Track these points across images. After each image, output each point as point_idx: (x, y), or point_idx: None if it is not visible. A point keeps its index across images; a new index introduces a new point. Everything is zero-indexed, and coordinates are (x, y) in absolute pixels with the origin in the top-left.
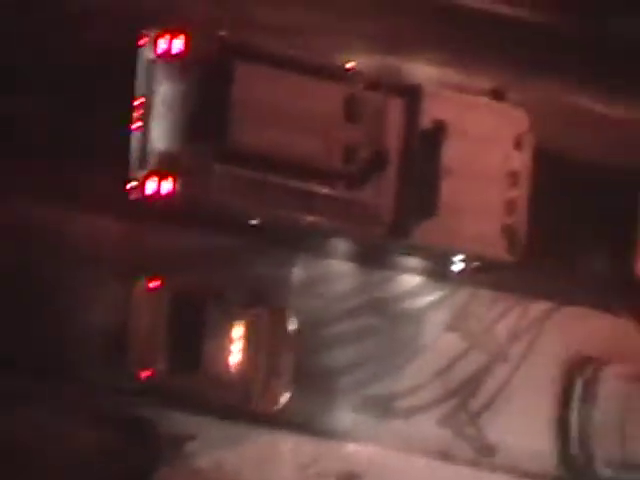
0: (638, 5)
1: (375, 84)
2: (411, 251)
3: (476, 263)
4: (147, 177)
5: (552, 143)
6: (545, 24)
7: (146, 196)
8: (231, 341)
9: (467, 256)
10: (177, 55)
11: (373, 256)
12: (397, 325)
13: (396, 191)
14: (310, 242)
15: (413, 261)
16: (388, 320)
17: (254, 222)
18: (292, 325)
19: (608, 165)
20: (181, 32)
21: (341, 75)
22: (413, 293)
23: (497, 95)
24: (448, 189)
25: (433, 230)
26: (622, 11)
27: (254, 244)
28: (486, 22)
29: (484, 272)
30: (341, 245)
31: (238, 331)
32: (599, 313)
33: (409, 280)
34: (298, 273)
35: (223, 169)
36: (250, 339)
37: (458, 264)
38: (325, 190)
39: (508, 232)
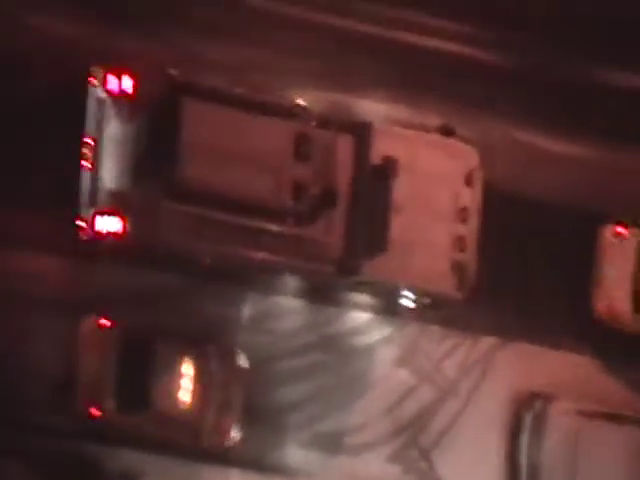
0: (588, 42)
1: (325, 122)
2: (361, 287)
3: (425, 299)
4: (96, 216)
5: (501, 180)
6: (494, 61)
7: (95, 235)
8: (180, 379)
9: (416, 292)
10: (126, 94)
11: (323, 293)
12: (347, 361)
13: (346, 228)
14: (260, 279)
15: (363, 297)
16: (338, 356)
17: (208, 260)
18: (241, 362)
19: (558, 202)
20: (130, 71)
21: (290, 113)
22: (362, 329)
23: (447, 131)
24: (398, 225)
25: (383, 267)
26: (572, 49)
27: (203, 282)
28: (435, 59)
29: (433, 308)
30: (291, 282)
31: (187, 369)
32: (547, 349)
33: (358, 316)
34: (247, 310)
35: (172, 207)
36: (199, 377)
37: (407, 300)
38: (275, 227)
39: (457, 268)
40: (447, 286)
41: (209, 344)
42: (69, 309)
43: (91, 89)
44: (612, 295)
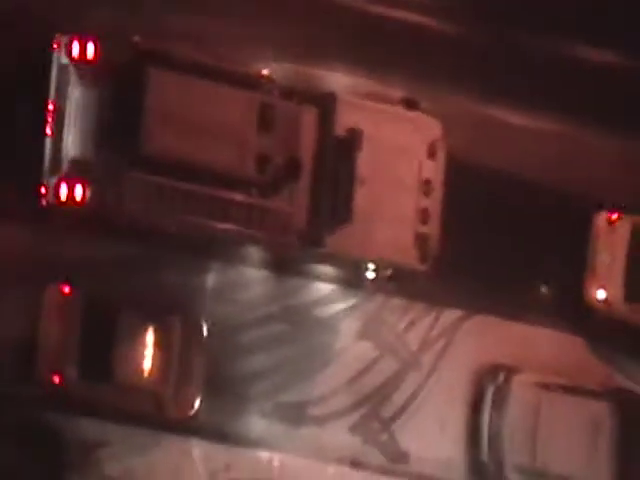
0: (551, 17)
1: (289, 92)
2: (324, 259)
3: (388, 271)
4: (59, 184)
5: (464, 152)
6: (458, 34)
7: (58, 203)
8: (143, 348)
9: (379, 264)
10: (90, 61)
11: (286, 264)
12: (309, 332)
13: (309, 199)
14: (224, 250)
15: (326, 269)
16: (300, 327)
17: (168, 232)
18: (204, 332)
19: (519, 174)
20: (94, 38)
21: (255, 83)
22: (325, 301)
23: (410, 104)
24: (362, 197)
25: (346, 238)
26: (536, 23)
27: (167, 251)
28: (399, 31)
29: (396, 280)
30: (255, 252)
31: (150, 338)
32: (510, 322)
33: (321, 288)
34: (211, 280)
35: (136, 176)
36: (162, 346)
37: (371, 272)
38: (238, 198)
39: (420, 241)
40: (410, 258)
41: (172, 314)
42: (32, 277)
43: (55, 56)
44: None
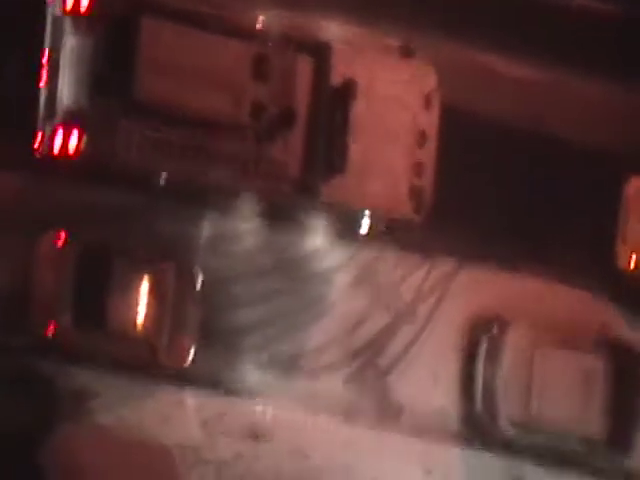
0: None
1: (284, 42)
2: (318, 208)
3: (382, 222)
4: (53, 133)
5: (459, 102)
6: None
7: (52, 152)
8: (137, 297)
9: (374, 215)
10: (84, 10)
11: (281, 214)
12: (303, 285)
13: (304, 148)
14: (217, 199)
15: (321, 221)
16: (294, 279)
17: (163, 181)
18: (198, 282)
19: (514, 125)
20: None
21: (250, 32)
22: (319, 253)
23: (406, 52)
24: (356, 148)
25: (340, 188)
26: None
27: (161, 201)
28: None
29: (390, 232)
30: (248, 202)
31: (144, 287)
32: (505, 273)
33: (315, 240)
34: (205, 230)
35: (130, 125)
36: (156, 295)
37: (365, 223)
38: (233, 146)
39: (415, 192)
40: (404, 210)
41: (166, 263)
42: (24, 226)
43: (49, 7)
44: None
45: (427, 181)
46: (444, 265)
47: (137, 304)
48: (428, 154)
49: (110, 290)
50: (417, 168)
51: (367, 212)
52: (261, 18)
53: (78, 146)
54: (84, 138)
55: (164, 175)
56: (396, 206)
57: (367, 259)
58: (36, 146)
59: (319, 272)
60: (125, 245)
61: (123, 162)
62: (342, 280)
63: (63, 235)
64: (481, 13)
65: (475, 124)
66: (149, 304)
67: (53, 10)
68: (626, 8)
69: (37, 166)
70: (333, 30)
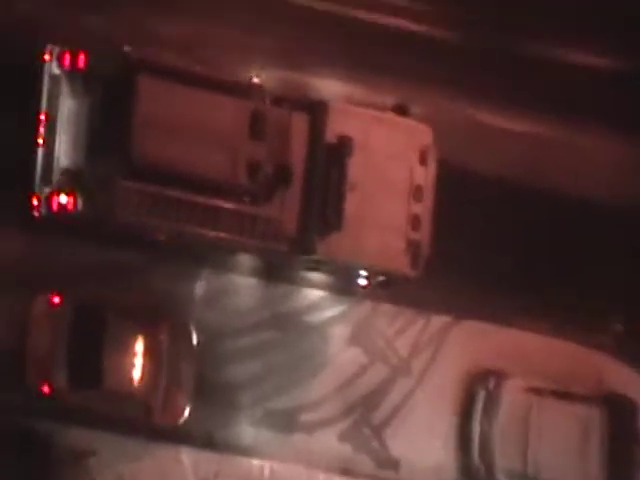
0: (539, 21)
1: (280, 100)
2: (316, 266)
3: (379, 277)
4: (51, 193)
5: (455, 157)
6: (447, 39)
7: (49, 212)
8: (132, 355)
9: (371, 271)
10: (81, 71)
11: (277, 271)
12: (299, 339)
13: (301, 206)
14: (213, 256)
15: (317, 276)
16: (290, 334)
17: (162, 238)
18: (193, 339)
19: (510, 180)
20: (85, 48)
21: (245, 91)
22: (315, 307)
23: (401, 110)
24: (353, 204)
25: (337, 245)
26: (524, 26)
27: (156, 258)
28: (389, 37)
29: (388, 287)
30: (245, 260)
31: (139, 345)
32: (500, 327)
33: (310, 294)
34: (199, 287)
35: (127, 185)
36: (151, 354)
37: (362, 279)
38: (229, 206)
39: (412, 247)
40: (401, 264)
41: (161, 321)
42: (20, 285)
43: (46, 65)
44: None
45: (424, 235)
46: (439, 319)
47: (132, 363)
48: (425, 208)
49: (105, 349)
50: (414, 222)
51: (364, 267)
52: (257, 76)
53: (75, 207)
54: (81, 198)
55: (161, 234)
56: (393, 261)
57: (362, 313)
58: (34, 206)
59: (314, 327)
60: (120, 304)
61: (121, 221)
62: (337, 335)
63: (58, 295)
64: (477, 69)
65: (472, 178)
66: (144, 363)
67: (49, 69)
68: (622, 62)
69: (32, 227)
70: (328, 88)
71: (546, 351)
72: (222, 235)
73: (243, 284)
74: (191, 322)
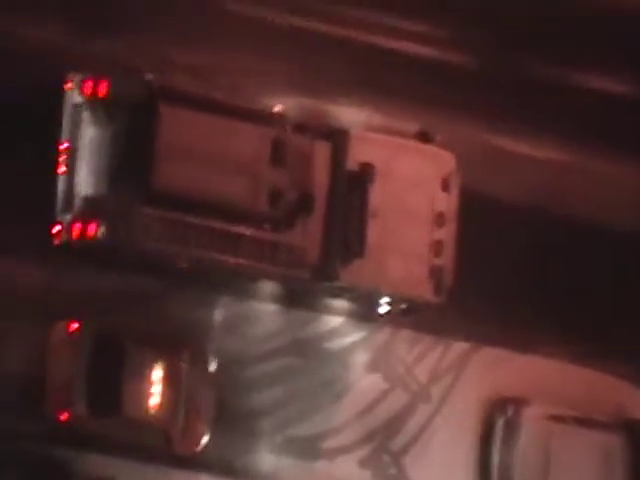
0: (558, 45)
1: (301, 127)
2: (338, 293)
3: (402, 304)
4: (72, 221)
5: (478, 185)
6: (464, 64)
7: (71, 241)
8: (151, 383)
9: (394, 298)
10: (102, 99)
11: (298, 298)
12: (319, 366)
13: (323, 234)
14: (234, 284)
15: (339, 302)
16: (310, 360)
17: (184, 265)
18: (212, 366)
19: (528, 206)
20: (106, 76)
21: (267, 118)
22: (334, 333)
23: (424, 137)
24: (375, 231)
25: (360, 272)
26: (542, 51)
27: (175, 285)
28: (411, 64)
29: (410, 314)
30: (265, 286)
31: (158, 373)
32: (519, 354)
33: (330, 320)
34: (219, 314)
35: (149, 213)
36: (170, 381)
37: (385, 306)
38: (251, 233)
39: (435, 274)
40: (425, 291)
41: (180, 348)
42: (39, 313)
43: (67, 94)
44: None
45: (447, 262)
46: (459, 345)
47: (151, 390)
48: (447, 235)
49: (124, 377)
50: (436, 249)
51: (387, 294)
52: (278, 104)
53: (96, 235)
54: (102, 225)
55: (183, 261)
56: (416, 288)
57: (382, 339)
58: (55, 234)
59: (334, 353)
60: (138, 331)
61: (142, 248)
62: (357, 361)
63: (77, 322)
64: (494, 95)
65: (494, 205)
66: (163, 390)
67: (71, 97)
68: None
69: (51, 254)
70: (350, 115)
71: (565, 378)
72: (243, 262)
73: (262, 310)
74: (210, 349)
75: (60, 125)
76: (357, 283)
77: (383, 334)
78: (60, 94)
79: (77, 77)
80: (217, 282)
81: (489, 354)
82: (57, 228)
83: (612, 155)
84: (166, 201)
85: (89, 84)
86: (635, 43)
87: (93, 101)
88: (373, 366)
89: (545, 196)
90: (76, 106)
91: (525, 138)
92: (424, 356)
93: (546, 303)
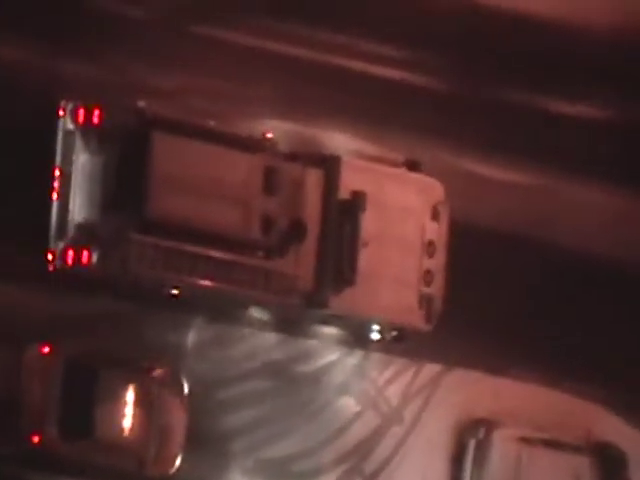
0: (537, 72)
1: (293, 155)
2: (329, 320)
3: (392, 332)
4: (65, 248)
5: (465, 213)
6: (457, 93)
7: (65, 268)
8: (124, 406)
9: (384, 325)
10: (95, 126)
11: (290, 325)
12: (291, 388)
13: (315, 261)
14: (205, 306)
15: (330, 330)
16: (282, 383)
17: (175, 293)
18: (185, 388)
19: (519, 234)
20: (99, 103)
21: (259, 146)
22: (307, 356)
23: (412, 166)
24: (366, 259)
25: (351, 300)
26: (519, 77)
27: (146, 307)
28: (399, 92)
29: (401, 341)
30: (256, 314)
31: (130, 395)
32: (491, 376)
33: (303, 343)
34: (191, 336)
35: (142, 240)
36: (142, 404)
37: (375, 333)
38: (243, 260)
39: (425, 301)
40: (415, 319)
41: (153, 370)
42: (11, 335)
43: (60, 121)
44: None
45: (437, 290)
46: (431, 367)
47: (123, 414)
48: (437, 263)
49: (96, 400)
50: (426, 277)
51: (377, 322)
52: (270, 131)
53: (90, 260)
54: (96, 252)
55: (175, 288)
56: (406, 315)
57: (354, 362)
58: (48, 262)
59: (306, 375)
60: (111, 354)
61: (135, 275)
62: (329, 384)
63: (48, 345)
64: (486, 126)
65: (480, 234)
66: (135, 413)
67: (64, 124)
68: (625, 113)
69: (21, 277)
70: (341, 143)
71: (536, 400)
72: (236, 290)
73: (234, 333)
74: (182, 371)
75: (54, 152)
76: (348, 311)
77: (354, 357)
78: (53, 121)
79: (69, 104)
80: (187, 304)
81: (460, 376)
82: (50, 255)
83: (593, 181)
84: (159, 229)
85: (81, 112)
86: (611, 70)
87: (86, 129)
88: (345, 388)
89: (531, 222)
90: (69, 133)
91: (503, 164)
92: (396, 378)
93: (520, 326)
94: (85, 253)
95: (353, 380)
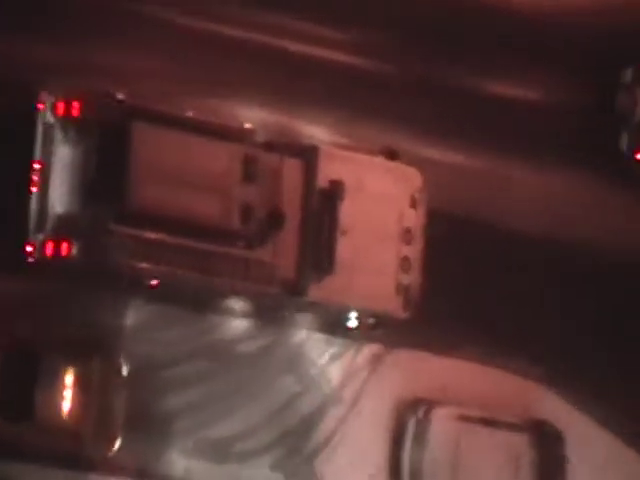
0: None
1: (272, 144)
2: (307, 308)
3: (370, 320)
4: (45, 240)
5: (443, 201)
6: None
7: (44, 259)
8: (63, 388)
9: (362, 313)
10: (75, 119)
11: (269, 312)
12: (232, 369)
13: (293, 250)
14: (206, 301)
15: (308, 317)
16: (222, 364)
17: (156, 283)
18: (125, 370)
19: (494, 221)
20: (79, 95)
21: (238, 136)
22: (247, 336)
23: (390, 154)
24: (345, 247)
25: (329, 288)
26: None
27: (84, 290)
28: (375, 82)
29: (378, 328)
30: (235, 303)
31: (70, 378)
32: (430, 355)
33: (242, 324)
34: (130, 318)
35: (122, 231)
36: (82, 385)
37: (353, 320)
38: (223, 250)
39: (403, 289)
40: (392, 306)
41: (92, 352)
42: None
43: (40, 114)
44: None
45: (414, 278)
46: (372, 347)
47: (63, 395)
48: (415, 251)
49: (36, 382)
50: (404, 265)
51: (355, 310)
52: (249, 121)
53: (70, 252)
54: (75, 244)
55: (155, 279)
56: (384, 303)
57: (295, 342)
58: (28, 253)
59: (246, 356)
60: (50, 337)
61: (114, 266)
62: (270, 363)
63: None
64: (463, 115)
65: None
66: (74, 395)
67: (44, 117)
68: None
69: None
70: (320, 133)
71: (475, 378)
72: (216, 279)
73: (173, 315)
74: (121, 353)
75: (33, 144)
76: (326, 299)
77: (295, 336)
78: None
79: (49, 97)
80: (129, 287)
81: (401, 356)
82: (30, 247)
83: (560, 168)
84: (139, 219)
85: (61, 105)
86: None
87: (65, 121)
88: (286, 368)
89: (505, 209)
90: (48, 125)
91: (487, 155)
92: (337, 358)
93: (465, 304)
94: (65, 245)
95: (294, 360)
